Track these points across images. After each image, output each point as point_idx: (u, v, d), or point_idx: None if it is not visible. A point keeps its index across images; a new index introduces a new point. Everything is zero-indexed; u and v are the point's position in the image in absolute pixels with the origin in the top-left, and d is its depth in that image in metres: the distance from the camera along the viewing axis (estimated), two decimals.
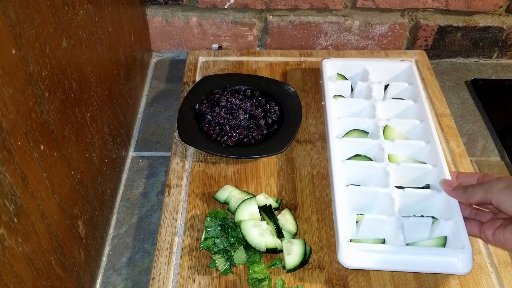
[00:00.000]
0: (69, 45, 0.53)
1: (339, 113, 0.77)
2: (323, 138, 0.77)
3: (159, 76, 0.95)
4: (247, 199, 0.65)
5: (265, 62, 0.91)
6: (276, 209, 0.66)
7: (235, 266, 0.61)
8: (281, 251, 0.61)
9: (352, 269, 0.61)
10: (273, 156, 0.74)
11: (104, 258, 0.67)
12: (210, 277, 0.61)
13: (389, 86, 0.81)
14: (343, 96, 0.81)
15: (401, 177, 0.68)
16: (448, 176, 0.65)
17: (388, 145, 0.70)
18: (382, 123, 0.73)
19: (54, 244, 0.50)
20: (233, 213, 0.64)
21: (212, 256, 0.61)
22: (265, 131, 0.75)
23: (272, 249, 0.61)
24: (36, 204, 0.45)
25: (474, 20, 0.93)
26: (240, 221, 0.62)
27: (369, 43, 0.97)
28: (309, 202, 0.69)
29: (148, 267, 0.66)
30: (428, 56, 0.94)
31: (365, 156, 0.72)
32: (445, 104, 0.83)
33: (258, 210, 0.64)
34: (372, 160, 0.71)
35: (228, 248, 0.61)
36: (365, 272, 0.61)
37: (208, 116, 0.76)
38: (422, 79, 0.87)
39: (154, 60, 0.99)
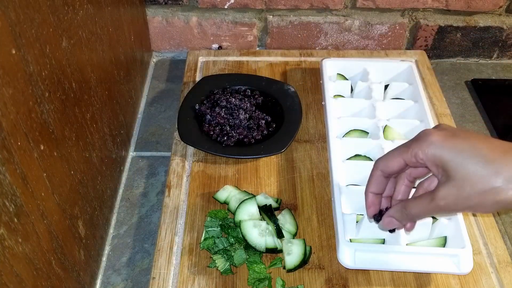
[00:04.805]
0: (69, 45, 0.53)
1: (339, 113, 0.77)
2: (323, 138, 0.77)
3: (159, 76, 0.95)
4: (247, 199, 0.65)
5: (265, 62, 0.91)
6: (276, 209, 0.66)
7: (235, 266, 0.61)
8: (281, 251, 0.61)
9: (352, 269, 0.61)
10: (273, 156, 0.74)
11: (104, 258, 0.67)
12: (210, 277, 0.61)
13: (389, 86, 0.81)
14: (343, 96, 0.81)
15: None
16: None
17: (388, 145, 0.70)
18: (382, 123, 0.73)
19: (54, 244, 0.50)
20: (233, 213, 0.64)
21: (212, 256, 0.61)
22: (265, 131, 0.75)
23: (272, 249, 0.61)
24: (36, 204, 0.45)
25: (474, 20, 0.93)
26: (240, 221, 0.62)
27: (369, 43, 0.97)
28: (309, 202, 0.69)
29: (148, 267, 0.66)
30: (428, 56, 0.94)
31: (365, 156, 0.72)
32: (445, 104, 0.83)
33: (258, 210, 0.64)
34: (372, 160, 0.71)
35: (228, 248, 0.61)
36: (365, 272, 0.61)
37: (208, 116, 0.76)
38: (422, 79, 0.86)
39: (154, 60, 0.99)
